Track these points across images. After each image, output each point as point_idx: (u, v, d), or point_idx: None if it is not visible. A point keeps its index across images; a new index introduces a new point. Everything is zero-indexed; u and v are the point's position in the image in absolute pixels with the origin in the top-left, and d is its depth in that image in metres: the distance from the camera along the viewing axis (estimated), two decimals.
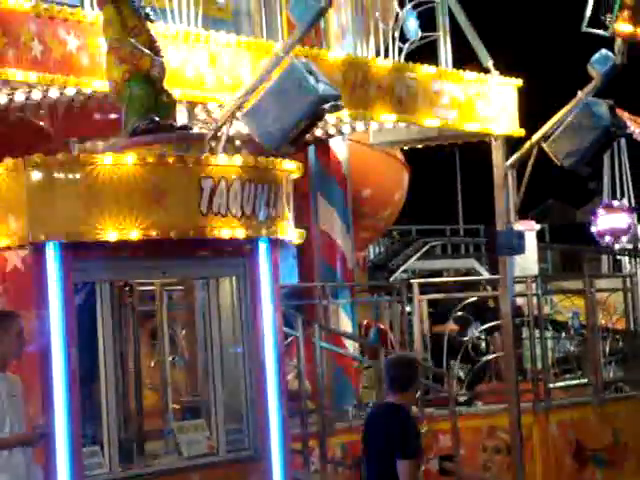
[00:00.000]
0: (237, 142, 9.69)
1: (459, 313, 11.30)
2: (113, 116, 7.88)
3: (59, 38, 7.49)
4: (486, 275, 16.06)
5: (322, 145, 10.82)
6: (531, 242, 16.92)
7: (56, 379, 6.74)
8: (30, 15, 7.33)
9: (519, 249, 10.40)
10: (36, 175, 6.77)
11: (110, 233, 6.83)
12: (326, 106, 7.39)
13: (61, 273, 6.79)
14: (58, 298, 6.79)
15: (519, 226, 11.52)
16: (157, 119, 7.29)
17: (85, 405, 6.95)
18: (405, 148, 11.81)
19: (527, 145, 10.08)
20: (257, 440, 7.45)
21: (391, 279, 15.59)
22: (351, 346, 10.66)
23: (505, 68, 10.61)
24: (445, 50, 10.25)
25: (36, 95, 7.91)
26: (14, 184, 6.82)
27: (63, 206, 6.79)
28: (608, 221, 22.16)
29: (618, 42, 9.61)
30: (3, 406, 6.30)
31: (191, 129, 7.67)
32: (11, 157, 6.84)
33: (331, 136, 10.66)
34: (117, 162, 6.88)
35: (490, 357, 11.39)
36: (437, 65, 10.18)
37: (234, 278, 7.59)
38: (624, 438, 11.11)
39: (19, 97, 8.01)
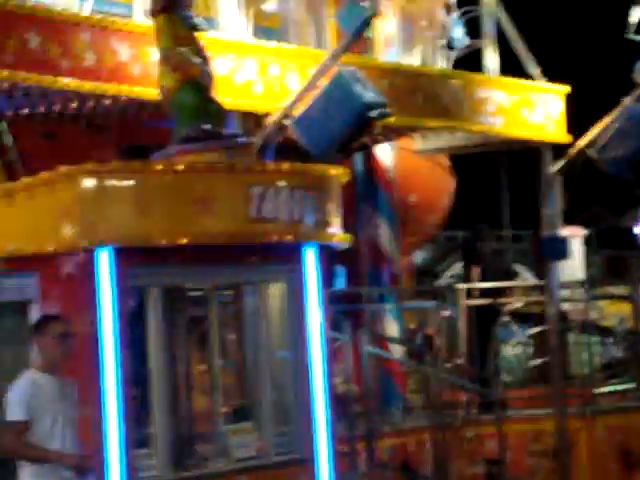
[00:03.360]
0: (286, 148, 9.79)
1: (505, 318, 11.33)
2: (165, 124, 8.02)
3: (112, 48, 7.64)
4: (532, 280, 16.04)
5: (369, 152, 10.90)
6: (577, 248, 16.89)
7: (109, 383, 6.84)
8: (84, 25, 7.48)
9: (565, 254, 10.43)
10: (89, 182, 6.88)
11: (161, 239, 6.94)
12: (373, 114, 7.48)
13: (113, 279, 6.90)
14: (111, 303, 6.90)
15: (565, 232, 11.55)
16: (207, 127, 7.40)
17: (137, 408, 7.06)
18: (452, 154, 11.88)
19: (573, 151, 10.11)
20: (305, 443, 7.52)
21: (437, 284, 15.63)
22: (398, 350, 10.73)
23: (552, 75, 10.64)
24: (491, 57, 10.30)
25: (90, 104, 8.06)
26: (67, 191, 6.93)
27: (115, 212, 6.89)
28: None
29: None
30: (54, 409, 6.41)
31: (240, 137, 7.78)
32: (64, 165, 6.98)
33: (378, 143, 10.75)
34: (168, 169, 7.00)
35: (537, 362, 11.40)
36: (483, 73, 10.23)
37: (283, 283, 7.69)
38: None
39: (73, 106, 8.18)
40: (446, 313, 10.83)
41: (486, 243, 12.11)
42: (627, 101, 9.75)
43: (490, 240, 12.26)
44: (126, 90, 7.70)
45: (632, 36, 9.71)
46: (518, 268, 17.89)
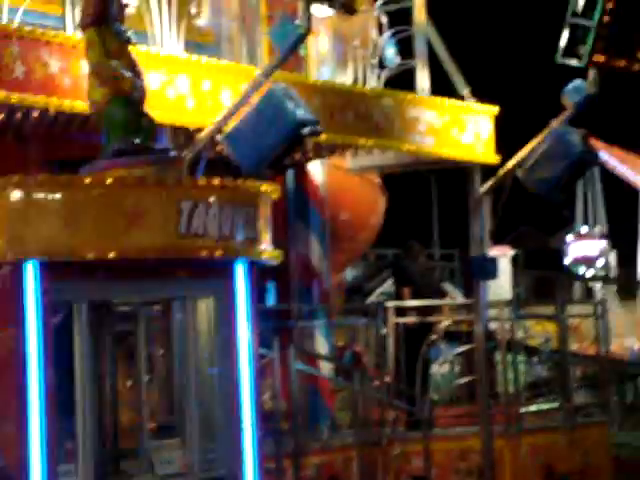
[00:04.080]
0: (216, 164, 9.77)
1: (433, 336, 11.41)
2: (94, 138, 7.96)
3: (42, 60, 7.57)
4: (460, 299, 16.18)
5: (300, 168, 10.93)
6: (505, 267, 17.08)
7: (32, 398, 6.78)
8: (13, 36, 7.41)
9: (494, 274, 10.54)
10: (16, 195, 6.83)
11: (89, 253, 6.89)
12: (305, 131, 7.51)
13: (39, 292, 6.84)
14: (36, 317, 6.83)
15: (494, 251, 11.67)
16: (137, 141, 7.37)
17: (61, 423, 6.98)
18: (382, 173, 11.95)
19: (502, 172, 10.23)
20: (231, 460, 7.50)
21: (367, 302, 15.69)
22: (326, 367, 10.75)
23: (481, 96, 10.77)
24: (422, 77, 10.40)
25: (17, 116, 7.98)
26: None
27: (42, 226, 6.85)
28: (580, 248, 22.39)
29: (591, 72, 9.78)
30: None
31: (171, 151, 7.75)
32: None
33: (309, 160, 10.78)
34: (97, 183, 6.95)
35: (464, 380, 11.49)
36: (414, 92, 10.32)
37: (212, 298, 7.67)
38: (594, 462, 11.22)
39: (0, 117, 8.09)
40: (381, 331, 10.88)
41: (417, 261, 12.20)
42: (555, 123, 9.90)
43: (421, 257, 12.35)
44: (55, 102, 7.63)
45: (561, 59, 9.87)
46: (447, 287, 18.05)
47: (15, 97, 7.44)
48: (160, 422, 7.99)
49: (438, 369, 12.00)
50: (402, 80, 10.57)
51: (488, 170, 10.66)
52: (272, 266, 7.94)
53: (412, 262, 12.06)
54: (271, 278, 10.86)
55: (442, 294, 12.63)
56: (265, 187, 7.66)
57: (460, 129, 10.55)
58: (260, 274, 7.77)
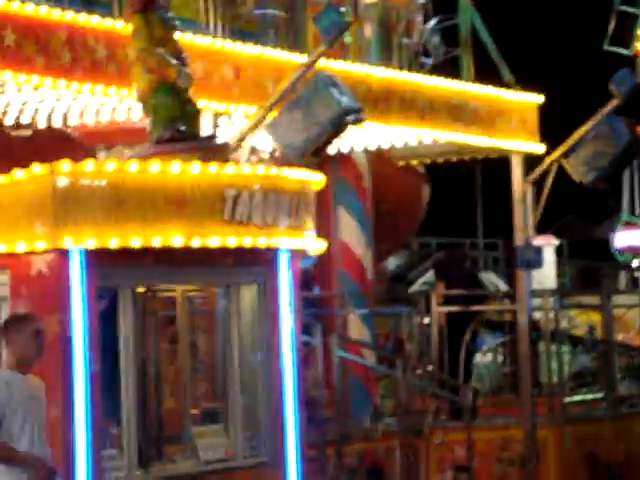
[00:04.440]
0: (261, 152, 9.81)
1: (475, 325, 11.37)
2: (140, 124, 8.01)
3: (88, 46, 7.62)
4: (504, 289, 16.10)
5: (344, 156, 10.92)
6: (549, 257, 16.96)
7: (77, 383, 6.83)
8: (60, 23, 7.46)
9: (537, 263, 10.48)
10: (63, 181, 6.87)
11: (134, 240, 6.94)
12: (349, 118, 7.50)
13: (85, 279, 6.89)
14: (82, 303, 6.89)
15: (538, 241, 11.60)
16: (182, 128, 7.40)
17: (106, 408, 7.05)
18: (426, 161, 11.92)
19: (547, 161, 10.17)
20: (274, 446, 7.54)
21: (410, 291, 15.66)
22: (369, 355, 10.75)
23: (527, 84, 10.70)
24: (467, 65, 10.35)
25: (65, 102, 8.04)
26: (41, 190, 6.92)
27: (88, 212, 6.89)
28: (626, 238, 22.18)
29: (639, 61, 9.69)
30: (25, 408, 6.38)
31: (216, 139, 7.78)
32: (39, 164, 6.96)
33: (354, 148, 10.77)
34: (142, 170, 6.99)
35: (506, 370, 11.45)
36: (459, 80, 10.28)
37: (255, 286, 7.69)
38: (637, 452, 11.14)
39: (48, 104, 8.15)
40: (424, 320, 10.86)
41: (460, 267, 12.17)
42: (602, 112, 9.82)
43: (464, 261, 12.29)
44: (101, 89, 7.68)
45: (608, 47, 9.78)
46: (490, 276, 17.95)
47: (62, 83, 7.49)
48: (204, 408, 8.04)
49: (481, 358, 11.95)
50: (447, 68, 10.52)
51: (533, 159, 10.60)
52: (315, 254, 7.96)
53: (455, 270, 12.01)
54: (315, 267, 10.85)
55: (477, 282, 12.51)
56: (309, 176, 7.67)
57: (505, 118, 10.50)
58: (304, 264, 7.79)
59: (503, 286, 17.09)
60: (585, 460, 10.78)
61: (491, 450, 10.41)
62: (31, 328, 6.47)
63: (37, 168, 6.93)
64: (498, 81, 10.55)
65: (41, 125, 8.59)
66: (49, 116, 8.45)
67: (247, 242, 7.27)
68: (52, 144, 8.66)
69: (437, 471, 10.15)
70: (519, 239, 10.49)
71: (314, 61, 7.71)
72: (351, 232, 11.02)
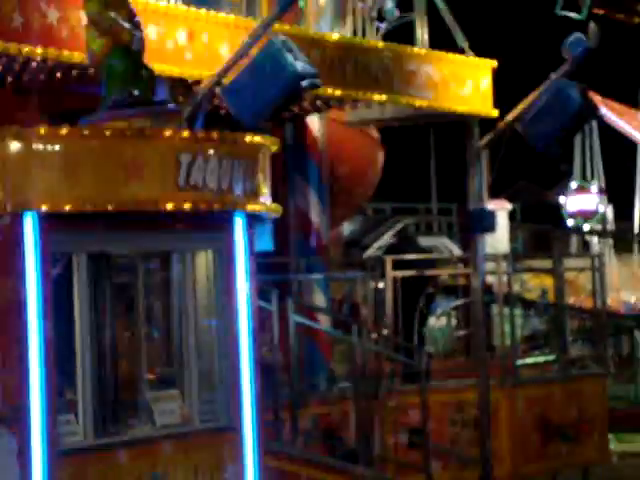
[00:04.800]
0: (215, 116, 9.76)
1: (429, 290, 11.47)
2: (93, 89, 7.95)
3: (40, 10, 7.55)
4: (458, 253, 16.22)
5: (299, 122, 10.91)
6: (502, 221, 17.12)
7: (32, 348, 6.82)
8: None
9: (491, 228, 10.57)
10: (15, 145, 6.83)
11: (87, 204, 6.91)
12: (304, 83, 7.49)
13: (38, 243, 6.86)
14: (35, 268, 6.86)
15: (491, 205, 11.69)
16: (136, 93, 7.36)
17: (61, 374, 7.04)
18: (381, 126, 11.94)
19: (500, 126, 10.22)
20: (230, 411, 7.57)
21: (365, 256, 15.73)
22: (324, 320, 10.80)
23: (480, 49, 10.74)
24: (421, 30, 10.37)
25: (16, 66, 7.96)
26: None
27: (41, 177, 6.85)
28: (577, 202, 22.42)
29: (591, 25, 9.75)
30: None
31: (170, 104, 7.74)
32: None
33: (308, 113, 10.76)
34: (96, 134, 6.95)
35: (459, 333, 11.57)
36: (413, 45, 10.29)
37: (211, 251, 7.69)
38: (588, 414, 11.32)
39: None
40: (377, 285, 10.92)
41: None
42: (554, 77, 9.87)
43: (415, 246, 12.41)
44: (53, 53, 7.61)
45: (561, 12, 9.83)
46: (444, 240, 18.07)
47: (13, 48, 7.41)
48: (160, 373, 8.05)
49: (435, 322, 12.06)
50: (401, 33, 10.53)
51: (486, 124, 10.66)
52: (270, 219, 7.96)
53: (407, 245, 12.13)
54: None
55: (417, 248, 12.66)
56: (264, 140, 7.66)
57: (459, 83, 10.53)
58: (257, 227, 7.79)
59: (457, 250, 17.23)
60: (537, 422, 10.94)
61: (445, 412, 10.53)
62: None
63: None
64: (452, 46, 10.57)
65: None
66: (1, 80, 8.35)
67: (202, 207, 7.26)
68: (3, 108, 8.58)
69: (392, 433, 10.25)
70: (473, 204, 10.56)
71: (268, 25, 7.69)
72: (306, 197, 11.04)
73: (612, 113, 20.71)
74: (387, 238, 16.84)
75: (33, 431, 6.76)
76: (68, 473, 6.89)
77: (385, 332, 10.82)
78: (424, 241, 17.59)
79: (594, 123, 22.94)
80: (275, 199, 7.87)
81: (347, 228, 16.61)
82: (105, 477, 7.04)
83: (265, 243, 10.48)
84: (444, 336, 12.06)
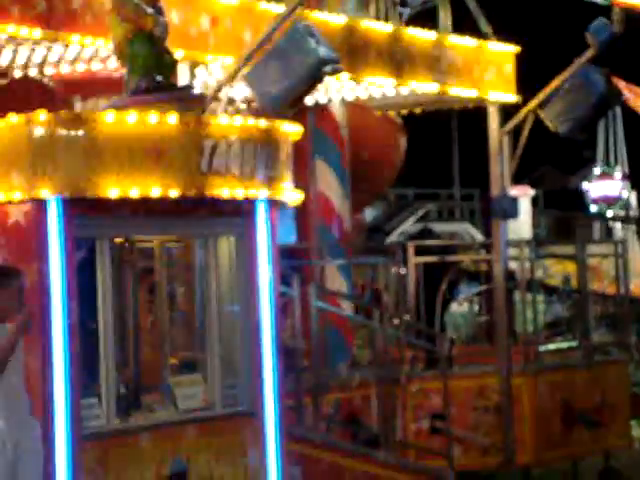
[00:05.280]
0: (239, 103, 9.78)
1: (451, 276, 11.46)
2: (116, 75, 7.97)
3: None
4: (481, 239, 16.20)
5: (322, 108, 10.91)
6: (525, 207, 17.07)
7: (56, 332, 6.86)
8: None
9: (513, 214, 10.55)
10: (39, 131, 6.86)
11: (111, 190, 6.94)
12: (326, 69, 7.49)
13: (62, 228, 6.89)
14: (59, 253, 6.90)
15: (514, 191, 11.66)
16: (159, 78, 7.37)
17: (84, 358, 7.08)
18: (403, 112, 11.92)
19: (523, 111, 10.19)
20: (252, 396, 7.60)
21: (387, 241, 15.73)
22: (346, 306, 10.81)
23: (503, 35, 10.70)
24: (444, 16, 10.33)
25: (40, 52, 7.99)
26: (17, 140, 6.91)
27: (65, 162, 6.88)
28: (601, 188, 22.32)
29: (616, 11, 9.69)
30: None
31: (193, 89, 7.75)
32: (14, 113, 6.93)
33: (331, 99, 10.75)
34: (119, 120, 6.97)
35: (483, 319, 11.56)
36: (436, 30, 10.26)
37: (233, 237, 7.71)
38: (611, 400, 11.29)
39: (23, 54, 8.10)
40: (399, 270, 10.92)
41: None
42: (578, 62, 9.83)
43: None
44: (77, 39, 7.63)
45: None
46: (467, 226, 18.02)
47: (37, 33, 7.44)
48: (182, 358, 8.09)
49: (457, 308, 12.05)
50: (424, 18, 10.50)
51: (509, 109, 10.62)
52: (293, 205, 7.97)
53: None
54: (292, 217, 10.88)
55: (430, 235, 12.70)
56: (287, 126, 7.66)
57: (481, 68, 10.49)
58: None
59: (479, 236, 17.19)
60: (559, 408, 10.92)
61: (467, 398, 10.53)
62: (17, 284, 6.52)
63: (13, 118, 6.90)
64: (475, 32, 10.53)
65: (17, 74, 8.54)
66: (25, 65, 8.39)
67: (225, 193, 7.28)
68: (28, 94, 8.61)
69: (414, 419, 10.27)
70: (495, 190, 10.54)
71: (292, 11, 7.68)
72: (329, 183, 11.03)
73: (636, 99, 20.60)
74: (409, 224, 16.83)
75: (57, 415, 6.81)
76: (91, 457, 6.94)
77: (407, 318, 10.82)
78: (446, 227, 17.61)
79: (618, 109, 22.81)
80: (297, 185, 7.87)
81: (369, 214, 16.62)
82: (128, 461, 7.09)
83: (288, 235, 10.52)
84: (466, 322, 12.05)
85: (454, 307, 12.01)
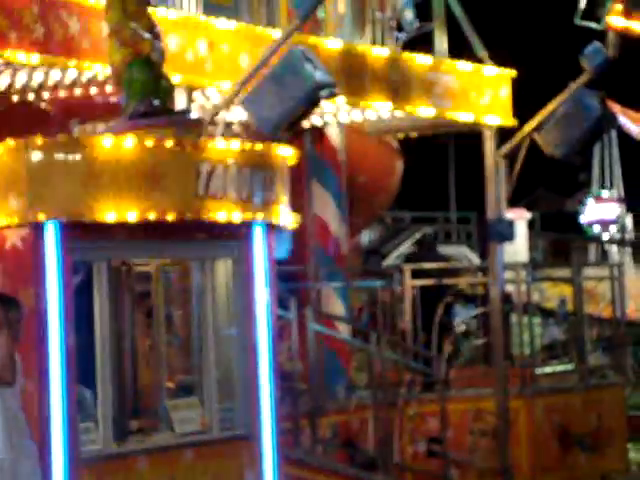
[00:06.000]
0: (235, 127, 9.82)
1: (448, 299, 11.47)
2: (113, 99, 8.01)
3: (61, 21, 7.61)
4: (477, 262, 16.22)
5: (318, 132, 10.95)
6: (521, 230, 17.10)
7: (53, 356, 6.87)
8: None
9: (510, 237, 10.58)
10: (37, 156, 6.88)
11: (108, 214, 6.96)
12: (322, 93, 7.53)
13: (60, 252, 6.91)
14: (56, 276, 6.91)
15: (510, 214, 11.69)
16: (156, 103, 7.41)
17: (81, 382, 7.08)
18: (399, 136, 11.96)
19: (519, 135, 10.24)
20: (249, 419, 7.60)
21: (384, 264, 15.74)
22: (343, 329, 10.82)
23: (499, 59, 10.76)
24: (440, 40, 10.40)
25: (38, 77, 8.02)
26: (15, 164, 6.93)
27: (63, 186, 6.90)
28: (596, 211, 22.37)
29: (610, 35, 9.76)
30: None
31: (190, 113, 7.79)
32: (12, 138, 6.96)
33: (327, 123, 10.80)
34: (116, 144, 7.00)
35: (479, 341, 11.57)
36: (432, 55, 10.32)
37: (230, 260, 7.73)
38: (607, 423, 11.29)
39: (21, 79, 8.14)
40: (396, 294, 10.93)
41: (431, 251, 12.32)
42: (573, 86, 9.89)
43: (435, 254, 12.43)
44: (75, 64, 7.67)
45: (580, 22, 9.84)
46: (463, 249, 18.05)
47: (35, 58, 7.47)
48: (179, 381, 8.08)
49: (456, 330, 12.05)
50: (420, 43, 10.56)
51: (505, 133, 10.67)
52: (289, 228, 7.99)
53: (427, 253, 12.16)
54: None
55: (441, 258, 12.68)
56: (283, 150, 7.70)
57: (477, 92, 10.55)
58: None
59: (476, 259, 17.20)
60: (556, 431, 10.92)
61: (464, 421, 10.53)
62: (16, 317, 6.51)
63: (11, 142, 6.93)
64: (471, 56, 10.59)
65: (14, 99, 8.58)
66: (23, 90, 8.43)
67: (221, 216, 7.31)
68: (26, 118, 8.65)
69: (411, 442, 10.26)
70: (491, 213, 10.57)
71: (288, 36, 7.73)
72: (325, 206, 11.06)
73: (631, 122, 20.68)
74: (406, 247, 16.85)
75: (54, 439, 6.80)
76: None
77: (404, 341, 10.82)
78: (443, 250, 17.61)
79: (613, 132, 22.90)
80: (294, 208, 7.90)
81: (366, 237, 16.63)
82: None
83: (282, 251, 10.51)
84: (463, 345, 12.05)
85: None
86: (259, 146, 7.52)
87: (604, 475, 11.42)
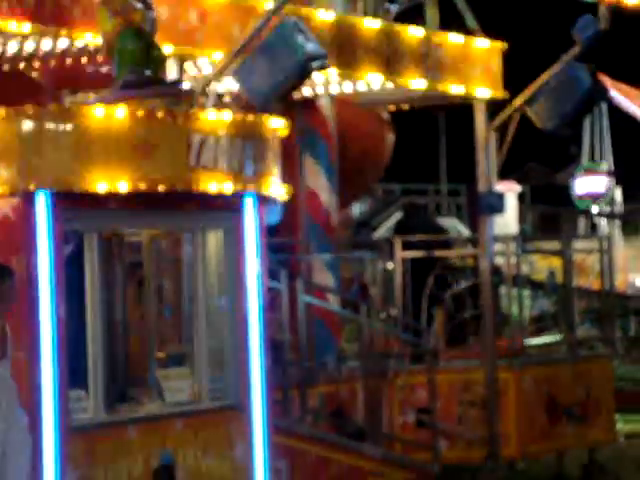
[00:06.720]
0: (226, 98, 9.81)
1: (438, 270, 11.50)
2: (104, 69, 8.00)
3: None
4: (467, 234, 16.26)
5: (309, 103, 10.94)
6: (512, 203, 17.16)
7: (44, 325, 6.89)
8: None
9: (500, 209, 10.61)
10: (27, 125, 6.88)
11: (99, 184, 6.96)
12: (314, 64, 7.53)
13: (51, 222, 6.92)
14: (47, 246, 6.92)
15: (500, 187, 11.73)
16: (147, 73, 7.40)
17: (72, 351, 7.10)
18: (390, 108, 11.96)
19: (509, 108, 10.25)
20: (239, 389, 7.64)
21: (374, 236, 15.78)
22: (333, 300, 10.86)
23: (490, 31, 10.75)
24: (432, 12, 10.38)
25: (29, 46, 8.00)
26: (5, 134, 6.93)
27: (54, 156, 6.90)
28: (586, 184, 22.41)
29: (602, 8, 9.76)
30: None
31: (181, 84, 7.78)
32: (3, 107, 6.95)
33: (319, 95, 10.79)
34: (107, 114, 7.00)
35: (470, 313, 11.62)
36: (424, 27, 10.31)
37: (221, 231, 7.75)
38: (595, 394, 11.36)
39: (12, 48, 8.11)
40: (388, 265, 10.96)
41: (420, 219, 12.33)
42: (564, 59, 9.89)
43: (424, 217, 12.41)
44: (65, 33, 7.65)
45: None
46: (453, 221, 18.10)
47: (26, 27, 7.45)
48: (170, 351, 8.12)
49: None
50: (412, 15, 10.54)
51: (496, 106, 10.68)
52: (280, 200, 8.01)
53: (416, 222, 12.17)
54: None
55: (439, 230, 12.70)
56: (274, 121, 7.70)
57: (469, 65, 10.54)
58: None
59: (466, 231, 17.25)
60: (544, 402, 10.99)
61: (453, 392, 10.58)
62: (10, 284, 6.53)
63: (1, 111, 6.92)
64: (462, 28, 10.58)
65: (6, 68, 8.56)
66: (14, 59, 8.40)
67: (213, 187, 7.32)
68: (17, 87, 8.63)
69: (400, 413, 10.32)
70: (482, 185, 10.60)
71: (279, 7, 7.72)
72: (316, 178, 11.07)
73: (621, 95, 20.69)
74: (396, 218, 16.84)
75: (45, 408, 6.83)
76: (78, 449, 6.97)
77: (394, 312, 10.86)
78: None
79: (603, 105, 22.90)
80: (285, 180, 7.91)
81: (357, 209, 16.66)
82: (115, 453, 7.12)
83: (273, 216, 10.49)
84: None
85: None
86: (250, 117, 7.52)
87: (591, 445, 11.51)
